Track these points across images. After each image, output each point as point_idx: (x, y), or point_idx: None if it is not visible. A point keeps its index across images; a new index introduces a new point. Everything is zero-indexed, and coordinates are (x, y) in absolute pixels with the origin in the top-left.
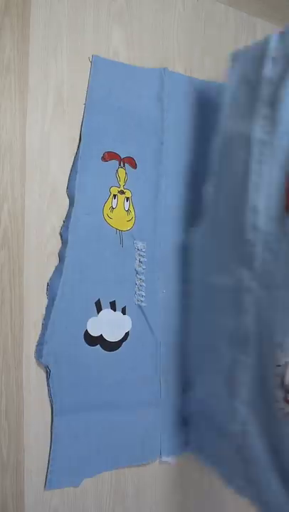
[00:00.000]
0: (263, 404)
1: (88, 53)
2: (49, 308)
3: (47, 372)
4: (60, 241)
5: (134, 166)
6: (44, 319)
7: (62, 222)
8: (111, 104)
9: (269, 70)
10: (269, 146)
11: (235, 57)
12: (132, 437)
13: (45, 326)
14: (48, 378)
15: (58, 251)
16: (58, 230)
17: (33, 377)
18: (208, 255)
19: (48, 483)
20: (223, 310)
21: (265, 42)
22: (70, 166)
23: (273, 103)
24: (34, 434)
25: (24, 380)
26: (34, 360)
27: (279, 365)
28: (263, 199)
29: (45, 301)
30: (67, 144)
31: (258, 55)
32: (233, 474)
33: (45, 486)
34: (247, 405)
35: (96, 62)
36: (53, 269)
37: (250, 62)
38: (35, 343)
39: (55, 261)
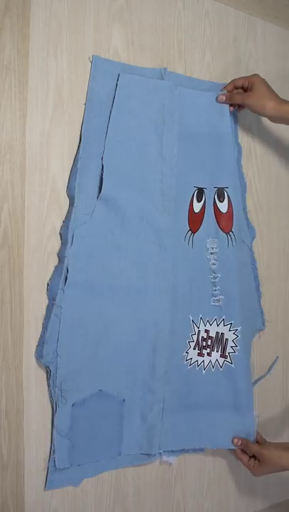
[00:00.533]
0: (176, 368)
1: (88, 53)
2: (49, 308)
3: (47, 372)
4: (60, 241)
5: None
6: (44, 319)
7: (62, 222)
8: (111, 104)
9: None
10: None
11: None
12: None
13: (45, 326)
14: (48, 378)
15: (57, 251)
16: (58, 230)
17: (33, 377)
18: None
19: (48, 483)
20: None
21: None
22: (70, 166)
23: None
24: (34, 434)
25: (24, 380)
26: (34, 360)
27: (193, 334)
28: None
29: (45, 301)
30: (67, 144)
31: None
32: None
33: (45, 486)
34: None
35: (96, 62)
36: (52, 269)
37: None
38: (35, 343)
39: (55, 261)
